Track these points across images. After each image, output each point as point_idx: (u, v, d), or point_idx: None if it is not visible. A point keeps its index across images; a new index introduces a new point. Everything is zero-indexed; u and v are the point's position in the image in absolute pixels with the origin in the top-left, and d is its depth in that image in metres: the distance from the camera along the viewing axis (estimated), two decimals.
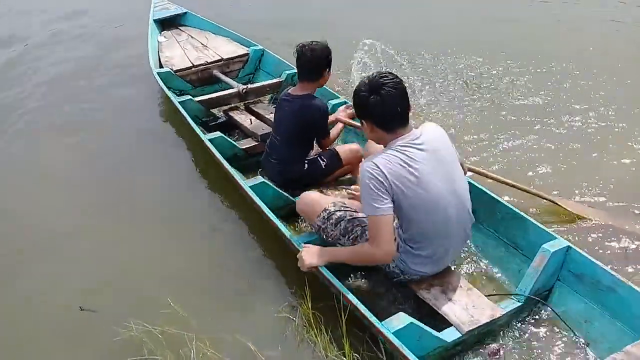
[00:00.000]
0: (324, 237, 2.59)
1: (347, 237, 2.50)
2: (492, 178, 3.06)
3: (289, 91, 3.19)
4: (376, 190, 2.16)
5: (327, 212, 2.56)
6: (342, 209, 2.57)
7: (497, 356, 2.26)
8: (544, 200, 3.08)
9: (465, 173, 2.54)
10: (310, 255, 2.40)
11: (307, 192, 2.80)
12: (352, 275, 2.66)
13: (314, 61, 3.03)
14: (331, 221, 2.54)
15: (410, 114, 2.28)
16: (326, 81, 3.16)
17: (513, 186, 3.05)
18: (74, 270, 2.98)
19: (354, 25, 5.87)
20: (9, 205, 3.55)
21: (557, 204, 3.06)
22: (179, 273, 2.92)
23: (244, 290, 2.77)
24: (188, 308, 2.59)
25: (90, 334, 2.58)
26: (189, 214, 3.36)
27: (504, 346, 2.29)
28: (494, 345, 2.30)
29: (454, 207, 2.29)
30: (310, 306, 2.45)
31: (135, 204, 3.49)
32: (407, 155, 2.20)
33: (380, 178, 2.16)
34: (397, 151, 2.22)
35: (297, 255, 2.46)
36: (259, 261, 2.95)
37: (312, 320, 2.42)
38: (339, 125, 3.41)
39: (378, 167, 2.17)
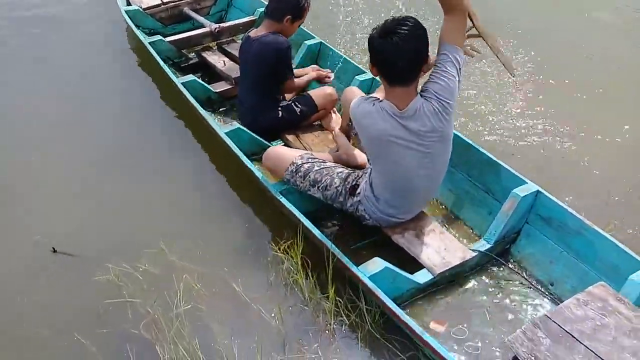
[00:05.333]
0: (294, 188, 2.63)
1: (316, 187, 2.54)
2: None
3: (249, 34, 3.11)
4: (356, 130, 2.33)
5: (295, 165, 2.58)
6: (310, 160, 2.59)
7: (443, 326, 2.26)
8: None
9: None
10: None
11: (272, 147, 2.77)
12: (331, 222, 2.73)
13: (278, 0, 2.97)
14: (299, 174, 2.56)
15: (422, 71, 2.17)
16: (290, 32, 3.06)
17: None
18: (44, 212, 2.95)
19: None
20: None
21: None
22: (160, 215, 2.92)
23: (231, 233, 2.79)
24: (172, 249, 2.63)
25: (65, 277, 2.58)
26: (167, 157, 3.32)
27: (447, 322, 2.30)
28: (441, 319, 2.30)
29: (422, 182, 2.35)
30: (300, 251, 2.47)
31: (107, 147, 3.42)
32: (387, 127, 2.18)
33: (356, 126, 2.28)
34: (380, 118, 2.19)
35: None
36: (245, 206, 2.96)
37: (299, 265, 2.46)
38: (308, 77, 3.34)
39: (356, 120, 2.26)
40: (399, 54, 2.05)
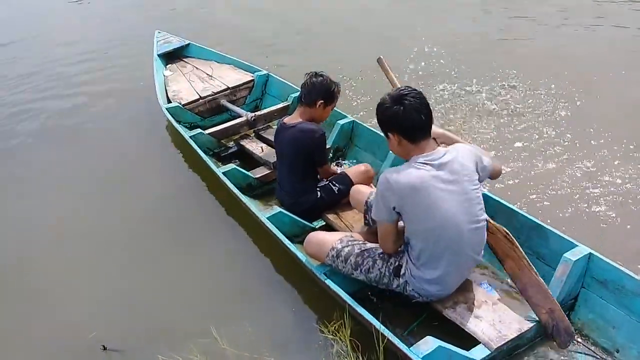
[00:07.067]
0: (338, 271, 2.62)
1: (359, 270, 2.52)
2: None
3: (284, 120, 3.21)
4: (383, 202, 2.30)
5: (335, 250, 2.57)
6: (350, 243, 2.58)
7: None
8: None
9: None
10: None
11: (312, 233, 2.77)
12: (379, 300, 2.68)
13: (310, 86, 3.10)
14: (340, 259, 2.56)
15: (433, 127, 2.35)
16: (323, 117, 3.18)
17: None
18: (89, 307, 3.01)
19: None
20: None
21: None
22: (205, 299, 2.97)
23: (279, 316, 2.80)
24: (222, 335, 2.61)
25: None
26: (210, 242, 3.40)
27: None
28: None
29: (467, 228, 2.29)
30: (349, 333, 2.42)
31: (150, 234, 3.53)
32: (423, 173, 2.23)
33: (390, 192, 2.26)
34: (414, 168, 2.26)
35: None
36: (291, 287, 2.97)
37: (349, 349, 2.40)
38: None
39: (390, 183, 2.26)
40: (416, 111, 2.26)
